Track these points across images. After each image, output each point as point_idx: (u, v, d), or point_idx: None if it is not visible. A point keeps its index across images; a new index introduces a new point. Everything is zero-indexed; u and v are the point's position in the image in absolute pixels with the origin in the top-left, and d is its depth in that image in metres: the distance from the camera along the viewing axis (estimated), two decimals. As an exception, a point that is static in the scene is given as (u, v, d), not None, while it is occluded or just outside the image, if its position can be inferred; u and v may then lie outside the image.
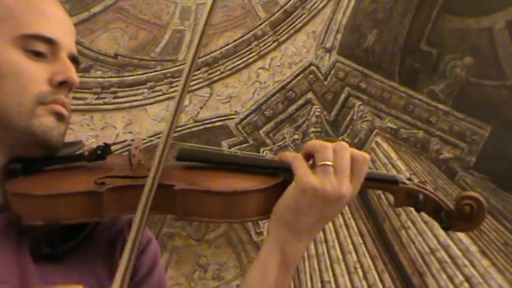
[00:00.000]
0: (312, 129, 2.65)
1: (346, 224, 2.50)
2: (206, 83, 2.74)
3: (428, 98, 2.58)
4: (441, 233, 2.36)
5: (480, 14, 2.55)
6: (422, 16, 2.64)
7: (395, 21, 2.67)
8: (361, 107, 2.64)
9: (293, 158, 0.98)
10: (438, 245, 2.39)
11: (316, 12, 2.75)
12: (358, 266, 2.45)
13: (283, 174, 1.00)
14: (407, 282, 2.40)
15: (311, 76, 2.70)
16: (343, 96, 2.67)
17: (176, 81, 2.73)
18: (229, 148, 2.65)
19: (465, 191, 2.37)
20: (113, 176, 0.99)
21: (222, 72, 2.75)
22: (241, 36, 2.79)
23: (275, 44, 2.76)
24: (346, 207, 2.48)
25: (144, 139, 1.16)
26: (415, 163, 2.54)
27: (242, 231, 2.58)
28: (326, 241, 2.49)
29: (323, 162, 0.96)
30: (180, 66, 2.76)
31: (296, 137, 2.65)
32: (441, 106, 2.57)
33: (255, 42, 2.77)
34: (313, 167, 0.97)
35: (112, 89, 2.76)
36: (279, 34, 2.77)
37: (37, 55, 1.02)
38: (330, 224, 2.47)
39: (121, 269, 0.83)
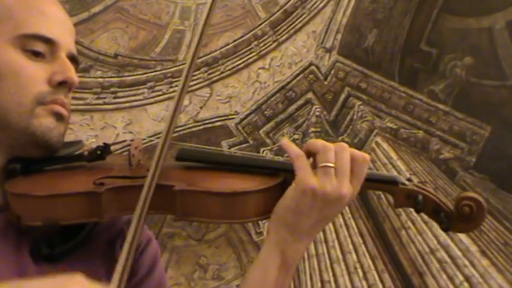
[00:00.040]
0: (312, 129, 2.65)
1: (346, 224, 2.50)
2: (206, 83, 2.74)
3: (428, 98, 2.58)
4: (441, 233, 2.35)
5: (480, 14, 2.54)
6: (422, 16, 2.63)
7: (395, 21, 2.67)
8: (361, 107, 2.64)
9: (296, 156, 0.98)
10: (438, 245, 2.39)
11: (316, 12, 2.74)
12: (358, 266, 2.45)
13: (283, 174, 1.00)
14: (407, 282, 2.40)
15: (311, 76, 2.70)
16: (343, 96, 2.67)
17: (176, 81, 2.73)
18: (229, 148, 2.64)
19: (465, 191, 2.37)
20: (112, 177, 0.98)
21: (222, 72, 2.75)
22: (241, 36, 2.78)
23: (275, 44, 2.76)
24: (346, 208, 2.47)
25: (144, 139, 1.16)
26: (415, 163, 2.54)
27: (242, 231, 2.58)
28: (326, 241, 2.49)
29: (324, 164, 0.96)
30: (180, 66, 2.76)
31: (296, 136, 2.65)
32: (441, 106, 2.56)
33: (255, 42, 2.77)
34: (313, 166, 0.97)
35: (112, 89, 2.75)
36: (279, 34, 2.76)
37: (36, 55, 1.01)
38: (330, 224, 2.47)
39: (118, 268, 0.83)
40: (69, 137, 1.09)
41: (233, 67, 2.75)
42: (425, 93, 2.59)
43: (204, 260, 2.57)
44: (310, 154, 0.99)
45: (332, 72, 2.69)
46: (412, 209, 1.04)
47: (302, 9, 2.76)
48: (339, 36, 2.71)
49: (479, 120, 2.50)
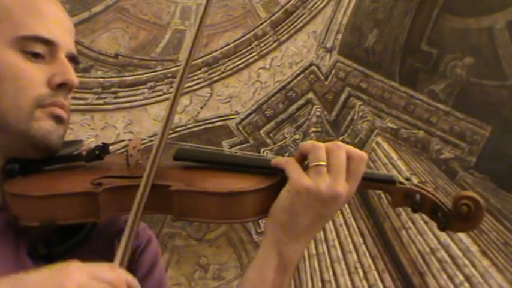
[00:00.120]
0: (313, 129, 2.65)
1: (346, 224, 2.50)
2: (206, 83, 2.74)
3: (429, 98, 2.58)
4: (441, 233, 2.35)
5: (480, 14, 2.54)
6: (423, 16, 2.63)
7: (395, 21, 2.66)
8: (362, 107, 2.63)
9: (286, 162, 0.98)
10: (438, 244, 2.38)
11: (317, 12, 2.74)
12: (358, 265, 2.45)
13: (281, 174, 1.00)
14: (407, 282, 2.40)
15: (312, 76, 2.70)
16: (343, 96, 2.67)
17: (177, 81, 2.73)
18: (230, 148, 2.64)
19: (465, 190, 2.37)
20: (110, 176, 0.98)
21: (223, 72, 2.75)
22: (242, 36, 2.78)
23: (276, 43, 2.76)
24: (347, 207, 2.48)
25: (144, 139, 1.16)
26: (416, 163, 2.54)
27: (243, 231, 2.58)
28: (326, 240, 2.49)
29: (315, 163, 0.95)
30: (181, 67, 2.76)
31: (297, 137, 2.65)
32: (442, 106, 2.56)
33: (256, 42, 2.77)
34: (306, 168, 0.97)
35: (112, 89, 2.76)
36: (280, 34, 2.76)
37: (35, 56, 1.01)
38: (330, 223, 2.47)
39: (118, 255, 0.83)
40: (69, 137, 1.09)
41: (234, 67, 2.75)
42: (426, 93, 2.58)
43: (205, 260, 2.58)
44: (304, 156, 0.99)
45: (333, 72, 2.68)
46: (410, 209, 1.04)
47: (303, 9, 2.75)
48: (340, 36, 2.71)
49: (479, 120, 2.49)
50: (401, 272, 2.41)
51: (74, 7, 2.78)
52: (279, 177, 0.99)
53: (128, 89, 2.76)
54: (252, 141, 2.67)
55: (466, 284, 2.32)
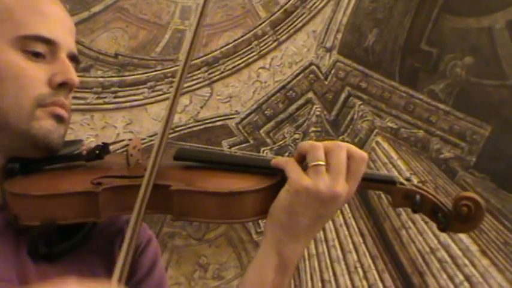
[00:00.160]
0: (313, 128, 2.65)
1: (346, 224, 2.50)
2: (206, 82, 2.74)
3: (429, 97, 2.58)
4: (441, 232, 2.35)
5: (480, 14, 2.54)
6: (423, 16, 2.63)
7: (395, 21, 2.67)
8: (362, 106, 2.63)
9: (285, 162, 0.98)
10: (438, 244, 2.39)
11: (317, 11, 2.74)
12: (358, 265, 2.45)
13: (281, 174, 1.00)
14: (407, 282, 2.40)
15: (311, 76, 2.70)
16: (343, 95, 2.67)
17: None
18: (230, 148, 2.64)
19: (465, 190, 2.37)
20: (110, 176, 0.98)
21: (223, 72, 2.75)
22: (242, 36, 2.79)
23: (275, 43, 2.76)
24: (347, 207, 2.48)
25: (144, 138, 1.16)
26: (416, 163, 2.54)
27: (242, 230, 2.58)
28: (326, 240, 2.49)
29: (314, 163, 0.95)
30: (180, 66, 2.76)
31: (296, 136, 2.65)
32: (441, 106, 2.56)
33: (255, 42, 2.77)
34: (306, 168, 0.97)
35: (112, 89, 2.76)
36: (279, 34, 2.77)
37: (36, 56, 1.01)
38: (330, 223, 2.47)
39: (116, 271, 0.83)
40: (69, 137, 1.09)
41: (233, 67, 2.76)
42: (426, 93, 2.59)
43: (205, 260, 2.58)
44: (303, 156, 0.99)
45: (332, 71, 2.69)
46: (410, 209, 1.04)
47: (302, 9, 2.76)
48: (339, 36, 2.71)
49: (479, 120, 2.50)
50: (401, 271, 2.41)
51: (74, 7, 2.78)
52: (279, 177, 0.99)
53: (127, 88, 2.76)
54: (251, 141, 2.67)
55: (466, 284, 2.32)
